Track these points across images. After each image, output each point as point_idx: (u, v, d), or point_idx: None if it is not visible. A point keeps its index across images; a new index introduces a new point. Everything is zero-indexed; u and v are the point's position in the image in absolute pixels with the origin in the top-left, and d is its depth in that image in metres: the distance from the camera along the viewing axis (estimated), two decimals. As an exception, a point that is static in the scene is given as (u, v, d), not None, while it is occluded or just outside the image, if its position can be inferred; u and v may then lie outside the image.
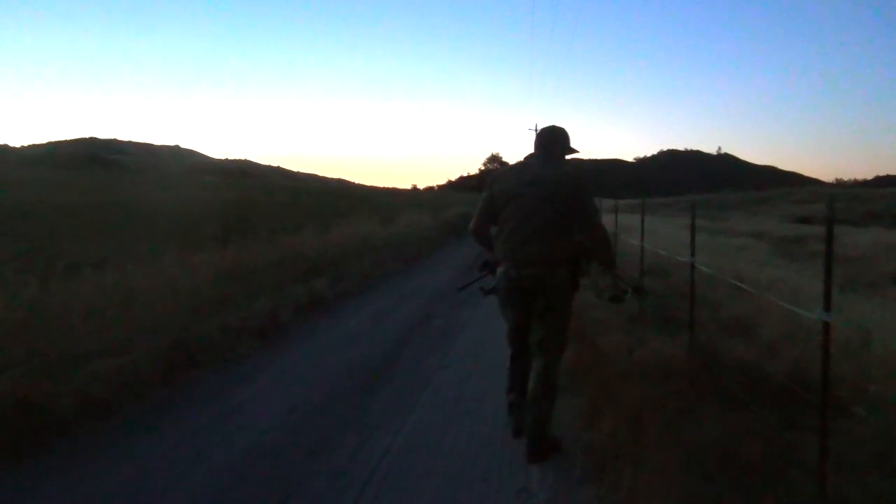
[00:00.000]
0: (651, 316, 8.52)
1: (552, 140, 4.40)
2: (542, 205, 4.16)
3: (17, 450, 4.20)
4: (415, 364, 6.67)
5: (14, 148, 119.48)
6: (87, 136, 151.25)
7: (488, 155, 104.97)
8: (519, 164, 4.49)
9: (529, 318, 4.31)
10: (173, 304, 7.58)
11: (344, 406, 5.34)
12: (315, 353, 7.15)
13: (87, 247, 11.78)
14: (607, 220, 12.11)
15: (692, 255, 6.98)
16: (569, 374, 5.81)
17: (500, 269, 4.33)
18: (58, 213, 18.33)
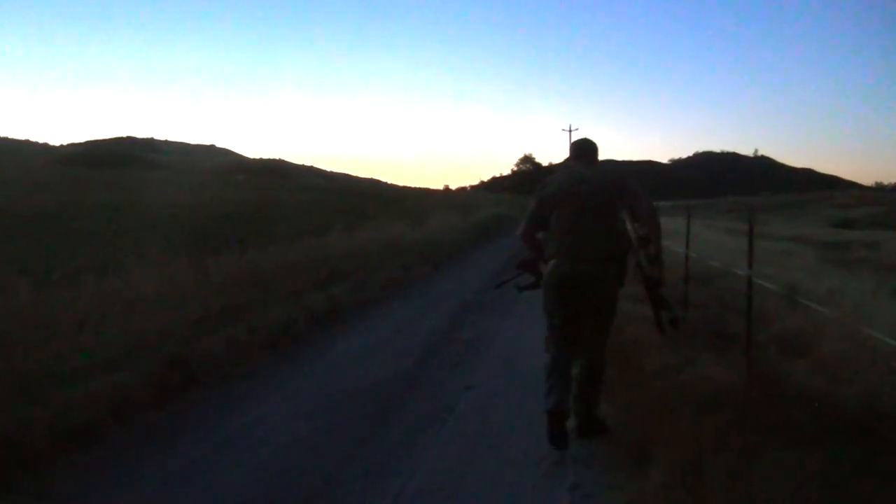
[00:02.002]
0: (697, 329, 7.77)
1: (591, 147, 4.72)
2: (593, 202, 4.33)
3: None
4: (436, 386, 6.01)
5: (54, 146, 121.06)
6: (124, 135, 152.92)
7: (521, 156, 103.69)
8: (563, 169, 4.68)
9: (577, 312, 4.40)
10: (179, 314, 7.04)
11: (353, 438, 4.70)
12: (327, 370, 6.54)
13: (102, 249, 11.35)
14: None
15: (749, 266, 6.23)
16: (611, 403, 5.13)
17: (550, 264, 4.43)
18: (82, 213, 18.05)
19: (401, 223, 20.23)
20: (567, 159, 4.82)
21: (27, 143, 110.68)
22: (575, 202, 4.35)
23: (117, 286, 7.54)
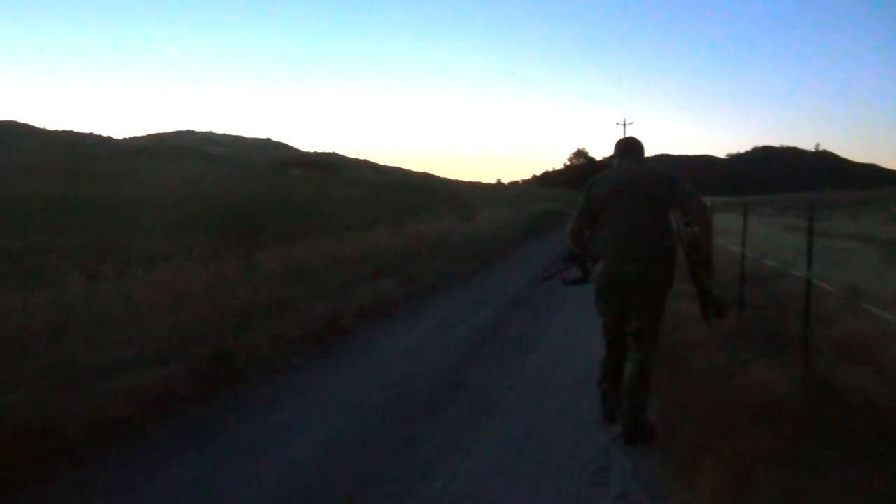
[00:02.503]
0: (752, 331, 7.49)
1: (638, 145, 4.74)
2: (643, 201, 4.34)
3: (14, 481, 3.63)
4: (481, 384, 5.90)
5: (117, 139, 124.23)
6: (184, 128, 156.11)
7: (574, 150, 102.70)
8: (612, 168, 4.67)
9: (626, 310, 4.43)
10: (226, 307, 7.07)
11: (394, 436, 4.62)
12: (372, 366, 6.48)
13: (155, 241, 11.53)
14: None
15: (808, 267, 5.95)
16: (661, 408, 4.95)
17: (599, 264, 4.45)
18: (138, 205, 18.40)
19: (451, 217, 20.16)
20: (612, 157, 4.81)
21: (91, 136, 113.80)
22: (624, 201, 4.36)
23: (166, 278, 7.62)
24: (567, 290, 9.18)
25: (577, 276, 4.81)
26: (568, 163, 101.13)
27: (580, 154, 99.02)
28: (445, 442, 4.52)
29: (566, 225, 4.84)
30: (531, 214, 28.32)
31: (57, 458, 3.86)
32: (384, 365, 6.51)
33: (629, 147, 4.71)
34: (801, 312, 6.15)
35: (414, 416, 5.03)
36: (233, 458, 4.21)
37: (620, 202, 4.37)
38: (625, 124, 59.34)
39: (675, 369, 5.85)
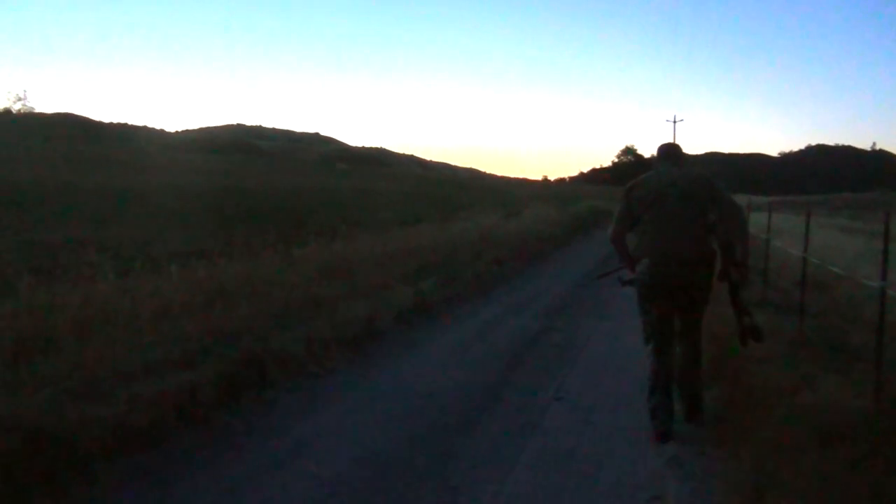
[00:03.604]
0: (815, 342, 6.99)
1: (679, 152, 4.92)
2: (684, 204, 4.45)
3: (23, 496, 3.41)
4: (523, 395, 5.56)
5: (169, 133, 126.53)
6: (235, 122, 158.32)
7: (622, 147, 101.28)
8: (653, 172, 4.76)
9: (672, 311, 4.57)
10: (260, 306, 6.85)
11: (430, 452, 4.31)
12: (409, 373, 6.18)
13: (195, 235, 11.43)
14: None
15: (883, 276, 5.47)
16: (717, 427, 4.58)
17: (642, 264, 4.53)
18: (182, 197, 18.44)
19: (495, 215, 19.82)
20: (654, 161, 5.01)
21: (144, 128, 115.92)
22: (666, 203, 4.47)
23: (202, 275, 7.44)
24: (617, 293, 8.83)
25: (631, 276, 4.81)
26: (616, 160, 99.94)
27: (628, 151, 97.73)
28: (484, 460, 4.20)
29: (609, 227, 4.94)
30: (578, 212, 27.78)
31: (68, 472, 3.62)
32: (421, 371, 6.21)
33: (669, 152, 4.89)
34: (869, 323, 5.68)
35: (451, 430, 4.72)
36: (258, 475, 3.95)
37: (662, 204, 4.48)
38: (675, 121, 58.36)
39: (734, 385, 5.44)
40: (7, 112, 64.02)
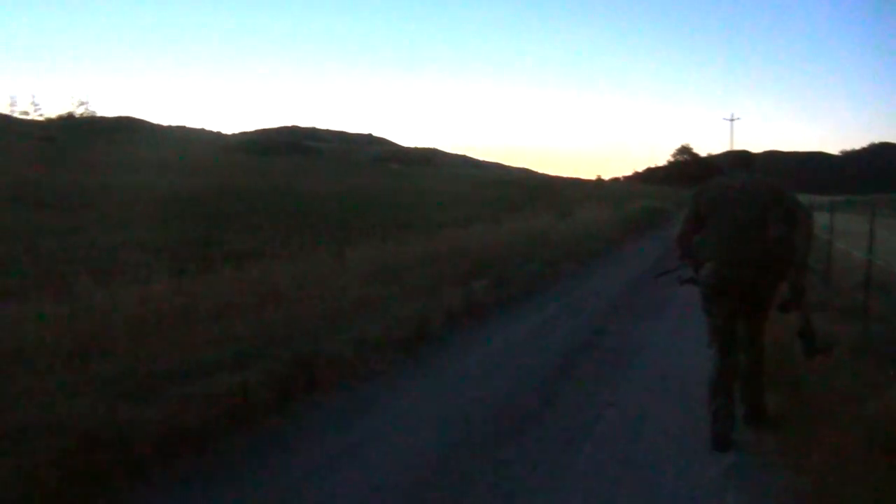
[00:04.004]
0: (880, 347, 6.69)
1: (750, 159, 4.93)
2: (751, 208, 4.46)
3: (77, 496, 3.44)
4: (577, 400, 5.44)
5: (226, 135, 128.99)
6: (290, 124, 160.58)
7: (678, 146, 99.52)
8: (723, 176, 4.84)
9: (736, 314, 4.57)
10: (312, 307, 6.87)
11: (481, 458, 4.23)
12: (460, 376, 6.11)
13: (251, 237, 11.56)
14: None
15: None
16: (777, 440, 4.40)
17: (708, 267, 4.54)
18: (238, 199, 18.71)
19: (548, 215, 19.64)
20: (723, 167, 5.11)
21: (203, 131, 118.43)
22: (734, 207, 4.51)
23: (255, 276, 7.50)
24: (674, 295, 8.61)
25: (691, 275, 4.81)
26: (672, 159, 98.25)
27: (684, 150, 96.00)
28: (535, 468, 4.11)
29: (672, 227, 4.72)
30: (632, 212, 27.35)
31: (121, 472, 3.65)
32: (472, 375, 6.13)
33: (741, 158, 4.93)
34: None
35: (503, 435, 4.64)
36: (307, 478, 3.94)
37: (730, 208, 4.51)
38: (732, 120, 57.29)
39: (796, 393, 5.24)
40: (70, 116, 66.04)
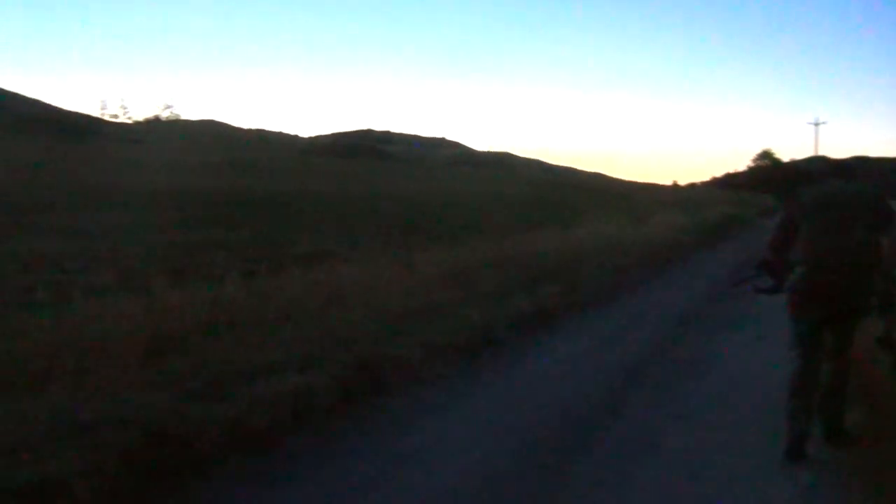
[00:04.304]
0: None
1: (851, 168, 4.93)
2: (847, 215, 4.37)
3: (142, 491, 3.54)
4: (643, 412, 5.31)
5: (302, 138, 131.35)
6: (364, 127, 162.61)
7: (759, 151, 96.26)
8: (823, 182, 4.76)
9: (824, 322, 4.44)
10: (378, 310, 6.92)
11: (541, 470, 4.17)
12: (525, 383, 6.05)
13: (322, 239, 11.74)
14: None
15: None
16: (859, 455, 4.20)
17: (799, 272, 4.46)
18: (311, 201, 19.05)
19: (620, 221, 19.30)
20: (827, 174, 4.96)
21: (280, 134, 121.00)
22: (829, 214, 4.41)
23: (323, 278, 7.60)
24: (749, 307, 8.35)
25: (767, 284, 4.67)
26: (752, 164, 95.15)
27: (766, 155, 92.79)
28: (599, 481, 4.03)
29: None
30: (709, 219, 26.59)
31: (186, 470, 3.74)
32: (537, 382, 6.06)
33: (843, 167, 4.95)
34: None
35: (566, 446, 4.56)
36: (368, 481, 3.95)
37: (825, 214, 4.42)
38: (816, 124, 55.13)
39: (878, 409, 5.00)
40: (157, 119, 68.59)
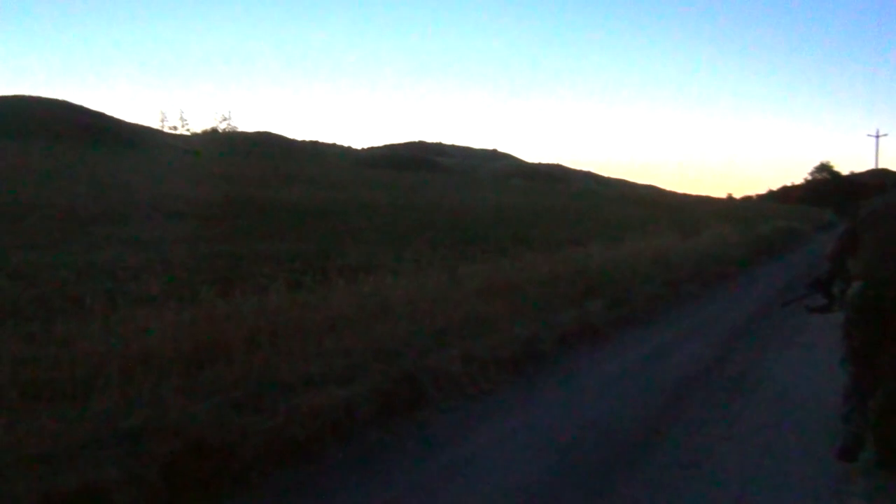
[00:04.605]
0: None
1: None
2: None
3: (179, 501, 3.57)
4: (689, 431, 5.17)
5: (355, 150, 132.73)
6: (417, 139, 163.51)
7: (817, 163, 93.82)
8: (886, 194, 4.65)
9: (879, 340, 4.31)
10: (421, 323, 6.90)
11: (584, 491, 4.09)
12: (568, 400, 5.97)
13: (369, 250, 11.81)
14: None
15: None
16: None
17: (856, 286, 4.38)
18: (361, 212, 19.21)
19: (672, 234, 19.00)
20: (887, 187, 4.85)
21: (333, 146, 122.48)
22: (888, 227, 4.34)
23: (368, 290, 7.62)
24: (801, 325, 8.12)
25: (821, 303, 4.66)
26: (809, 177, 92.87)
27: (824, 168, 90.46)
28: (642, 502, 3.93)
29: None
30: (763, 233, 25.99)
31: (225, 480, 3.77)
32: (582, 399, 5.97)
33: None
34: None
35: (608, 465, 4.48)
36: (407, 496, 3.93)
37: (884, 227, 4.35)
38: (877, 136, 53.50)
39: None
40: (214, 131, 70.36)
